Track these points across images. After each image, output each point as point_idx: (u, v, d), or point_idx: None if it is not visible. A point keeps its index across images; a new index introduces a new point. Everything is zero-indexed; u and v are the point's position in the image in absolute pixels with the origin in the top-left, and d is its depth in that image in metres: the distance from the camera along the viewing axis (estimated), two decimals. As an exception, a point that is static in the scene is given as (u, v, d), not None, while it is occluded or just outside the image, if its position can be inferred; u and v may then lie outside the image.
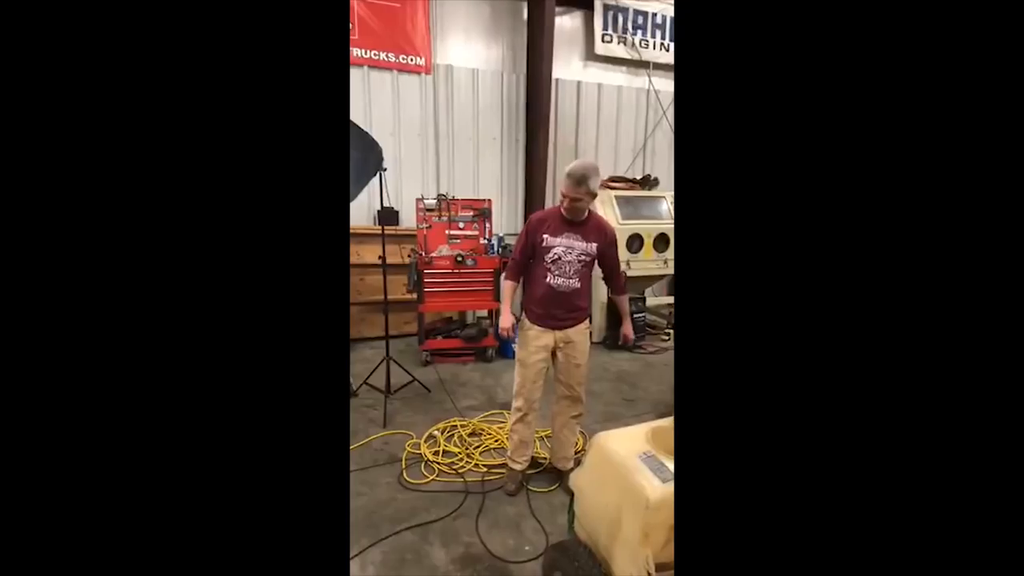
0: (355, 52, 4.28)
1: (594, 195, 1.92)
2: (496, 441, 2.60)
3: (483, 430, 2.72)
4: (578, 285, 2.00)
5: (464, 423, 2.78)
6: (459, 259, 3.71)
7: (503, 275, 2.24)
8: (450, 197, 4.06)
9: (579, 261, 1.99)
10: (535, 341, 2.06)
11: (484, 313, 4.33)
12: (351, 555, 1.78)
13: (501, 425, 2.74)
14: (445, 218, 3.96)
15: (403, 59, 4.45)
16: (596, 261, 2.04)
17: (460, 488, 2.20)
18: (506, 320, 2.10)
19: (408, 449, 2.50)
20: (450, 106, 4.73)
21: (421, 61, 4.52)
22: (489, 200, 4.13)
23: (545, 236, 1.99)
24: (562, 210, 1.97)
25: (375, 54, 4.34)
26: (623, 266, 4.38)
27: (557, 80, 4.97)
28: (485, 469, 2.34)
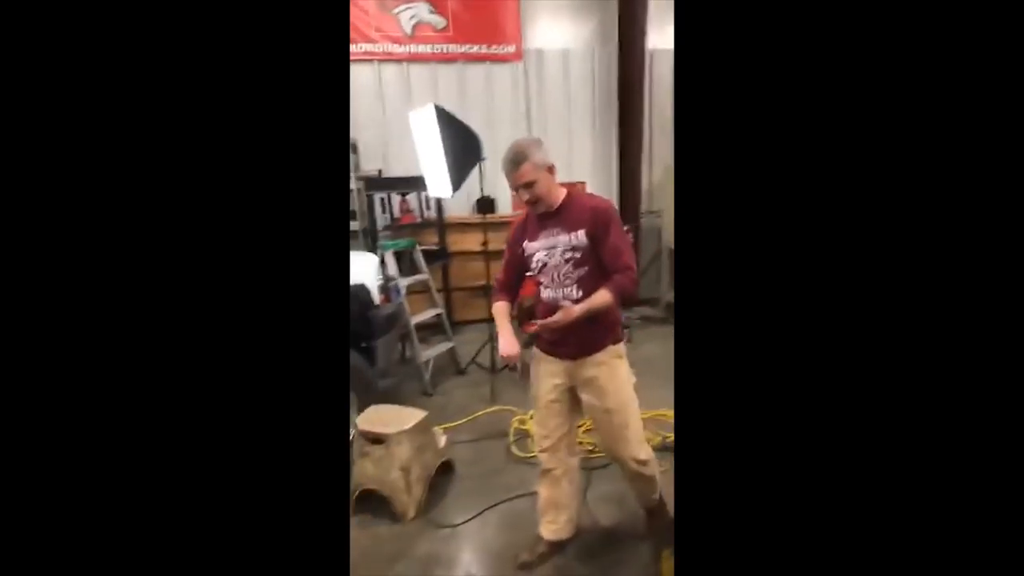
0: (450, 48, 4.48)
1: (549, 167, 1.46)
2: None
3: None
4: (578, 294, 1.47)
5: (566, 402, 2.86)
6: (555, 243, 3.75)
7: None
8: (544, 182, 4.12)
9: (567, 261, 1.47)
10: (545, 375, 1.60)
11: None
12: (471, 516, 1.97)
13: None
14: (540, 203, 4.02)
15: (495, 49, 4.56)
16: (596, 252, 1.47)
17: (566, 463, 2.29)
18: (506, 344, 1.53)
19: (515, 425, 2.65)
20: (541, 91, 4.75)
21: (512, 48, 4.58)
22: (582, 183, 4.12)
23: (526, 244, 1.57)
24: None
25: (468, 47, 4.50)
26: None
27: (652, 51, 4.74)
28: (591, 446, 2.41)
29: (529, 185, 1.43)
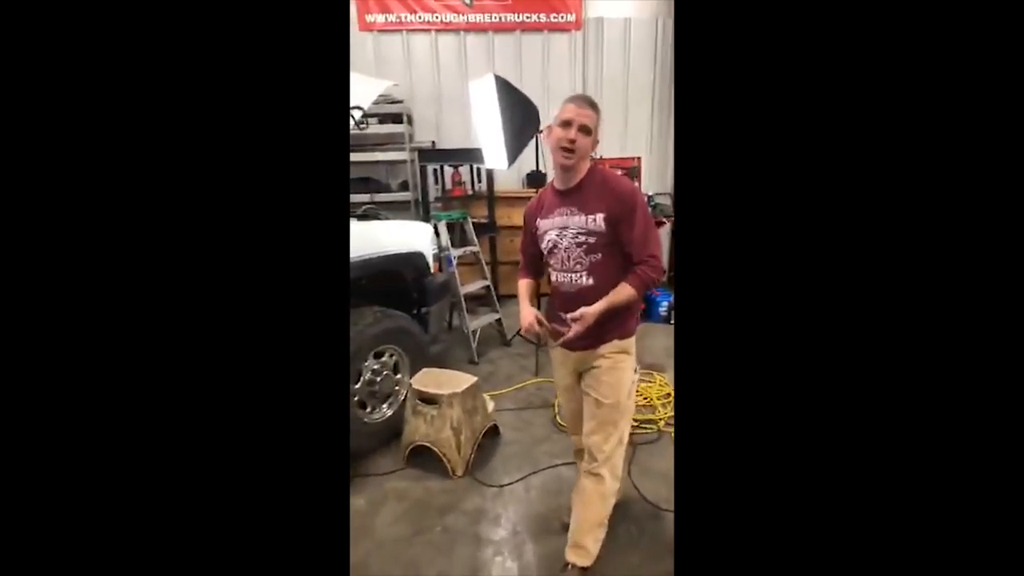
0: (508, 17, 4.40)
1: (596, 139, 1.35)
2: (645, 398, 2.65)
3: (630, 387, 2.78)
4: (588, 282, 1.35)
5: (611, 379, 2.87)
6: (606, 219, 3.70)
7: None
8: (597, 156, 4.03)
9: (578, 245, 1.34)
10: (559, 363, 1.55)
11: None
12: (516, 479, 2.05)
13: (648, 384, 2.78)
14: (592, 178, 3.95)
15: (553, 17, 4.44)
16: (614, 240, 1.32)
17: (610, 437, 2.32)
18: (525, 316, 1.44)
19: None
20: (599, 61, 4.61)
21: (571, 17, 4.45)
22: (638, 158, 4.01)
23: (539, 221, 1.44)
24: (555, 164, 1.38)
25: (527, 16, 4.41)
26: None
27: (720, 19, 4.47)
28: (635, 423, 2.43)
29: (584, 129, 1.30)
